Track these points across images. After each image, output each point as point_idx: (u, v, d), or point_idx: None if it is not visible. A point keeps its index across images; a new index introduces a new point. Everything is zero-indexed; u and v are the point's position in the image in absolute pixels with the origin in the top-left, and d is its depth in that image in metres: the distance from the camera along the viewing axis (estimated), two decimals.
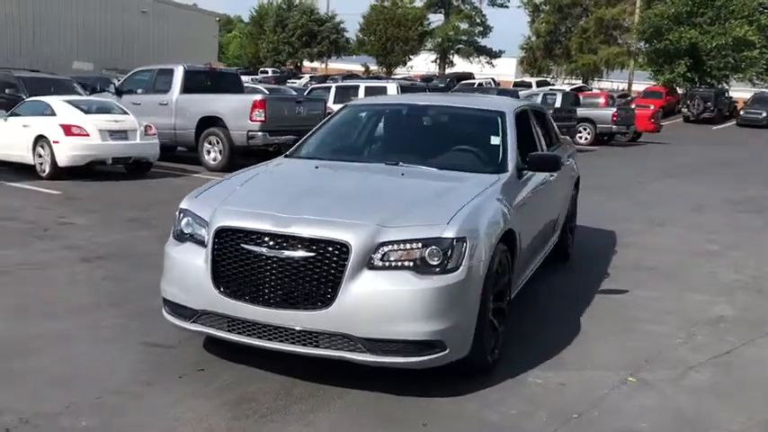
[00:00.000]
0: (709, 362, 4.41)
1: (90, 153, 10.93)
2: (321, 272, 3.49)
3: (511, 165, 4.70)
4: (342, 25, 54.83)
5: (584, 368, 4.21)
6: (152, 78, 13.83)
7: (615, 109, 23.74)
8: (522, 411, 3.59)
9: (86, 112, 11.28)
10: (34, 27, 31.54)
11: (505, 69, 54.39)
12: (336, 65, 57.74)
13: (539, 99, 23.45)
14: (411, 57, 52.38)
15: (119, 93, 13.99)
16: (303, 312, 3.50)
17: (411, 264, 3.52)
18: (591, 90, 36.47)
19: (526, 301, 5.41)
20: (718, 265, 6.99)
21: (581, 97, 25.81)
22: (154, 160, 11.85)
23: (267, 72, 46.77)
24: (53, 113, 11.19)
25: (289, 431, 3.30)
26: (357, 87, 17.24)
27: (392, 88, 16.62)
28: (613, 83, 47.65)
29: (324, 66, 56.35)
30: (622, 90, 42.41)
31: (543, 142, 5.78)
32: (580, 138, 23.17)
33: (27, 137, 11.18)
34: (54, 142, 10.81)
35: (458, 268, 3.56)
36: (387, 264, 3.51)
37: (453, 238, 3.58)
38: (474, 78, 41.13)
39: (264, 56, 54.84)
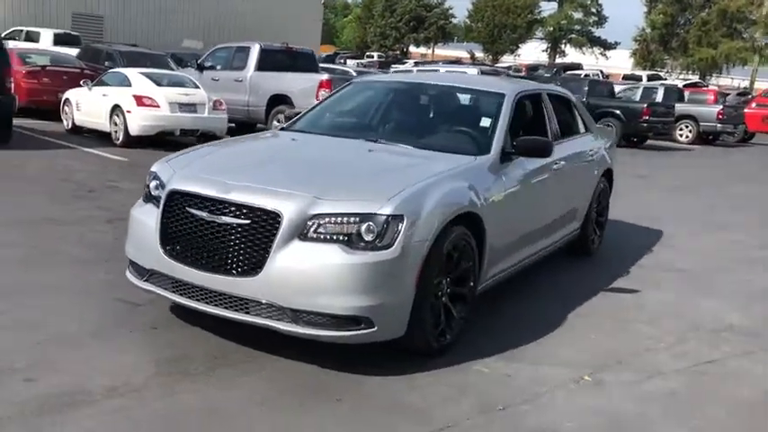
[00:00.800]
0: (684, 369, 4.12)
1: (159, 124, 11.45)
2: (253, 239, 3.53)
3: (494, 148, 4.55)
4: (450, 11, 54.44)
5: (543, 363, 4.02)
6: (230, 55, 14.30)
7: (721, 107, 22.24)
8: (446, 398, 3.49)
9: (159, 84, 11.81)
10: (153, 4, 33.20)
11: (620, 62, 52.26)
12: (444, 51, 57.46)
13: (638, 93, 22.43)
14: (519, 45, 51.31)
15: (200, 68, 14.55)
16: (235, 279, 3.55)
17: (344, 237, 3.49)
18: (707, 86, 34.38)
19: (519, 292, 5.25)
20: (757, 273, 6.47)
21: (687, 93, 24.38)
22: (221, 134, 12.24)
23: (373, 57, 47.21)
24: (129, 84, 11.80)
25: (204, 391, 3.37)
26: (437, 72, 17.09)
27: (473, 72, 16.40)
28: (734, 80, 44.76)
29: (431, 52, 56.22)
30: (743, 88, 39.71)
31: (555, 129, 5.52)
32: (680, 135, 21.97)
33: (105, 106, 11.85)
34: (127, 112, 11.40)
35: (391, 245, 3.50)
36: (318, 236, 3.49)
37: (389, 215, 3.51)
38: (582, 69, 39.79)
39: (371, 40, 55.33)
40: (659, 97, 22.08)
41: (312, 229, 3.50)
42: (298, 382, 3.55)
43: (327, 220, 3.51)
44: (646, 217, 8.53)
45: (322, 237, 3.49)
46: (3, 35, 25.51)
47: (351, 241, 3.48)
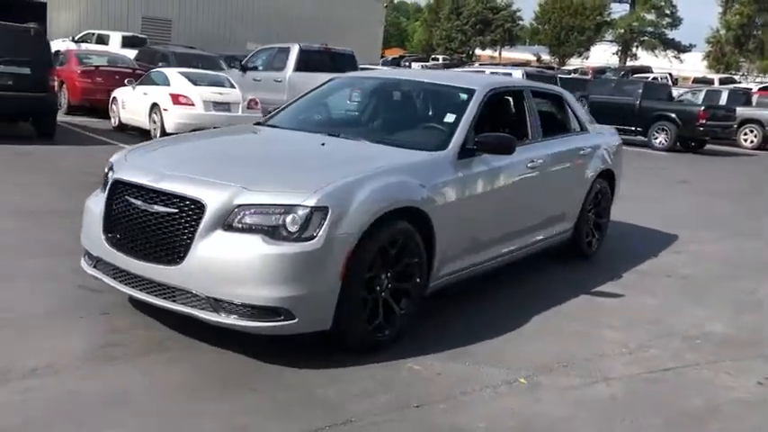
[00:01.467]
0: (634, 376, 3.94)
1: (193, 122, 11.74)
2: (179, 228, 3.59)
3: (453, 144, 4.47)
4: (518, 13, 53.77)
5: (484, 363, 3.92)
6: (271, 56, 14.57)
7: None
8: (365, 393, 3.45)
9: (196, 83, 12.14)
10: (219, 8, 34.11)
11: (694, 65, 50.36)
12: (510, 54, 56.79)
13: (700, 96, 21.58)
14: (587, 47, 50.19)
15: (243, 69, 14.89)
16: (163, 267, 3.62)
17: (267, 228, 3.50)
18: None
19: (496, 291, 5.16)
20: (761, 282, 6.12)
21: (756, 96, 23.26)
22: None
23: (438, 60, 47.12)
24: (168, 83, 12.18)
25: (123, 376, 3.44)
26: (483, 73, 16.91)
27: (517, 74, 16.16)
28: None
29: (498, 54, 55.66)
30: None
31: (537, 126, 5.37)
32: (745, 140, 21.01)
33: (145, 104, 12.28)
34: (164, 110, 11.78)
35: (313, 238, 3.49)
36: (241, 226, 3.52)
37: (313, 207, 3.51)
38: (651, 72, 38.54)
39: (437, 43, 55.23)
40: (723, 100, 21.20)
41: (236, 220, 3.53)
42: (222, 370, 3.59)
43: (252, 210, 3.53)
44: (669, 221, 8.22)
45: (245, 227, 3.52)
46: (76, 38, 26.80)
47: (274, 232, 3.49)
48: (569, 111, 6.09)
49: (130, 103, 12.94)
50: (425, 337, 4.17)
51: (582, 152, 5.93)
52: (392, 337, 3.99)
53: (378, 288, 3.88)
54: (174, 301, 3.65)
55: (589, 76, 31.23)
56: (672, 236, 7.65)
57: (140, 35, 27.46)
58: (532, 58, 51.08)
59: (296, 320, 3.52)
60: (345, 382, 3.55)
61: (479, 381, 3.70)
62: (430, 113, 5.02)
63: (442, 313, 4.61)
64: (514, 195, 4.99)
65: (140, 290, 3.77)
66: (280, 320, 3.51)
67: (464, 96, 4.87)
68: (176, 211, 3.61)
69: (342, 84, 5.70)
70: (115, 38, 25.69)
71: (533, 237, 5.38)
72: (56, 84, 11.31)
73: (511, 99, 5.27)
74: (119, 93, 13.58)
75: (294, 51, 13.96)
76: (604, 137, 6.49)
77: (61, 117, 14.60)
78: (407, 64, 42.99)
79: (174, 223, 3.60)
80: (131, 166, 4.01)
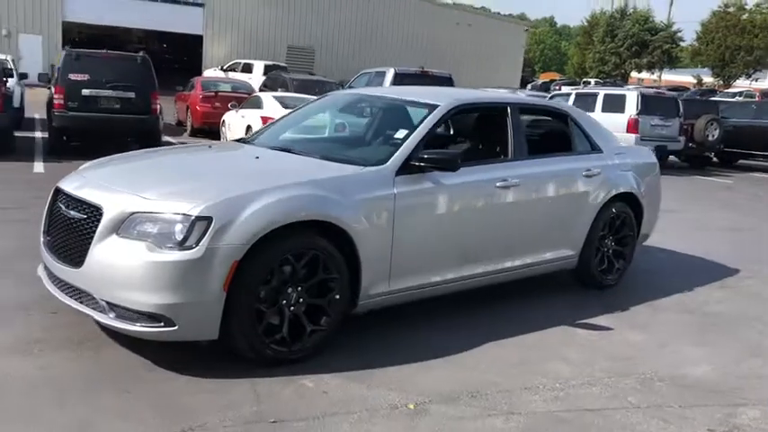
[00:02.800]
0: (547, 413, 3.59)
1: None
2: (83, 232, 3.79)
3: (393, 159, 4.35)
4: (678, 34, 50.68)
5: (383, 386, 3.75)
6: (369, 79, 14.88)
7: None
8: (231, 403, 3.43)
9: (286, 107, 12.64)
10: (363, 36, 35.37)
11: None
12: (669, 76, 53.68)
13: None
14: (756, 68, 46.27)
15: None
16: (71, 269, 3.83)
17: (154, 236, 3.60)
18: None
19: (473, 314, 4.93)
20: None
21: None
22: None
23: (590, 83, 45.53)
24: (261, 106, 12.82)
25: (19, 370, 3.65)
26: (596, 95, 16.14)
27: (632, 97, 15.30)
28: None
29: (657, 77, 52.80)
30: None
31: (521, 144, 5.08)
32: None
33: (242, 125, 13.00)
34: None
35: (194, 247, 3.54)
36: (132, 232, 3.64)
37: (196, 217, 3.57)
38: None
39: (590, 66, 53.37)
40: None
41: (129, 227, 3.66)
42: (116, 370, 3.72)
43: (142, 217, 3.65)
44: (748, 254, 7.40)
45: (135, 234, 3.64)
46: (224, 66, 28.86)
47: (160, 240, 3.58)
48: (576, 129, 5.69)
49: (233, 125, 13.76)
50: (338, 356, 4.07)
51: (586, 173, 5.51)
52: (304, 353, 3.94)
53: (284, 302, 3.86)
54: (81, 302, 3.84)
55: (756, 99, 28.89)
56: (734, 270, 6.88)
57: (281, 63, 29.08)
58: (692, 80, 47.89)
59: (176, 328, 3.58)
60: (220, 392, 3.56)
61: (363, 403, 3.55)
62: (389, 130, 4.91)
63: (372, 331, 4.48)
64: (479, 216, 4.74)
65: (60, 291, 4.00)
66: (160, 326, 3.58)
67: (424, 112, 4.73)
68: (84, 216, 3.82)
69: (331, 99, 5.72)
70: (258, 66, 27.36)
71: (510, 261, 5.06)
72: (158, 107, 12.27)
73: (488, 116, 5.02)
74: (227, 116, 14.48)
75: (390, 74, 14.18)
76: (626, 157, 5.97)
77: (185, 138, 15.86)
78: (557, 88, 41.96)
79: (81, 228, 3.81)
80: (74, 176, 4.29)
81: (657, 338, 4.84)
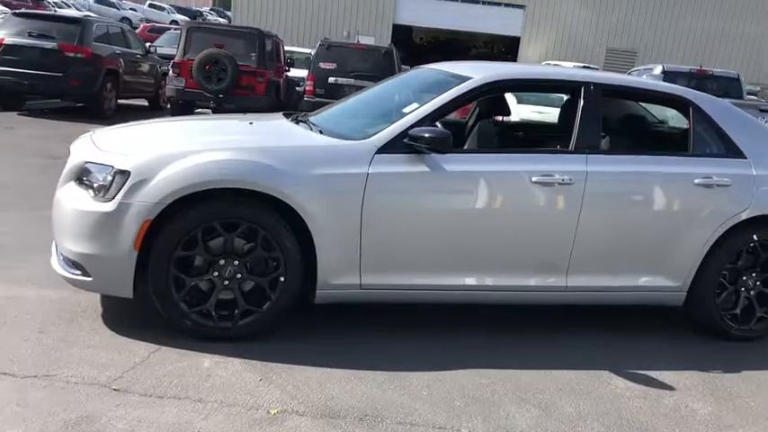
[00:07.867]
0: None
1: None
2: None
3: (379, 135, 3.76)
4: None
5: (282, 386, 3.27)
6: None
7: None
8: (110, 363, 3.29)
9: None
10: (703, 42, 31.85)
11: None
12: None
13: None
14: None
15: None
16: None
17: (92, 186, 3.60)
18: None
19: (452, 335, 4.13)
20: None
21: None
22: None
23: None
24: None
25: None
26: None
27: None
28: None
29: None
30: None
31: (591, 133, 4.00)
32: None
33: None
34: None
35: (111, 200, 3.48)
36: (83, 181, 3.69)
37: (117, 170, 3.51)
38: None
39: None
40: None
41: (83, 176, 3.72)
42: (57, 308, 3.83)
43: (89, 167, 3.68)
44: None
45: (83, 183, 3.69)
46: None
47: (95, 190, 3.59)
48: (702, 124, 4.28)
49: None
50: (275, 343, 3.66)
51: (704, 181, 4.12)
52: (235, 332, 3.64)
53: (216, 274, 3.60)
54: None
55: None
56: None
57: (592, 66, 27.64)
58: None
59: (90, 278, 3.56)
60: (113, 349, 3.43)
61: (231, 395, 3.13)
62: (407, 104, 4.20)
63: (329, 326, 3.94)
64: (498, 215, 3.86)
65: None
66: (78, 275, 3.59)
67: (449, 86, 3.99)
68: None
69: (401, 79, 5.12)
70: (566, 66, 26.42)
71: (551, 279, 4.02)
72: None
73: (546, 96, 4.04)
74: None
75: (656, 72, 12.45)
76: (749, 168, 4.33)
77: None
78: None
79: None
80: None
81: (726, 415, 3.44)
